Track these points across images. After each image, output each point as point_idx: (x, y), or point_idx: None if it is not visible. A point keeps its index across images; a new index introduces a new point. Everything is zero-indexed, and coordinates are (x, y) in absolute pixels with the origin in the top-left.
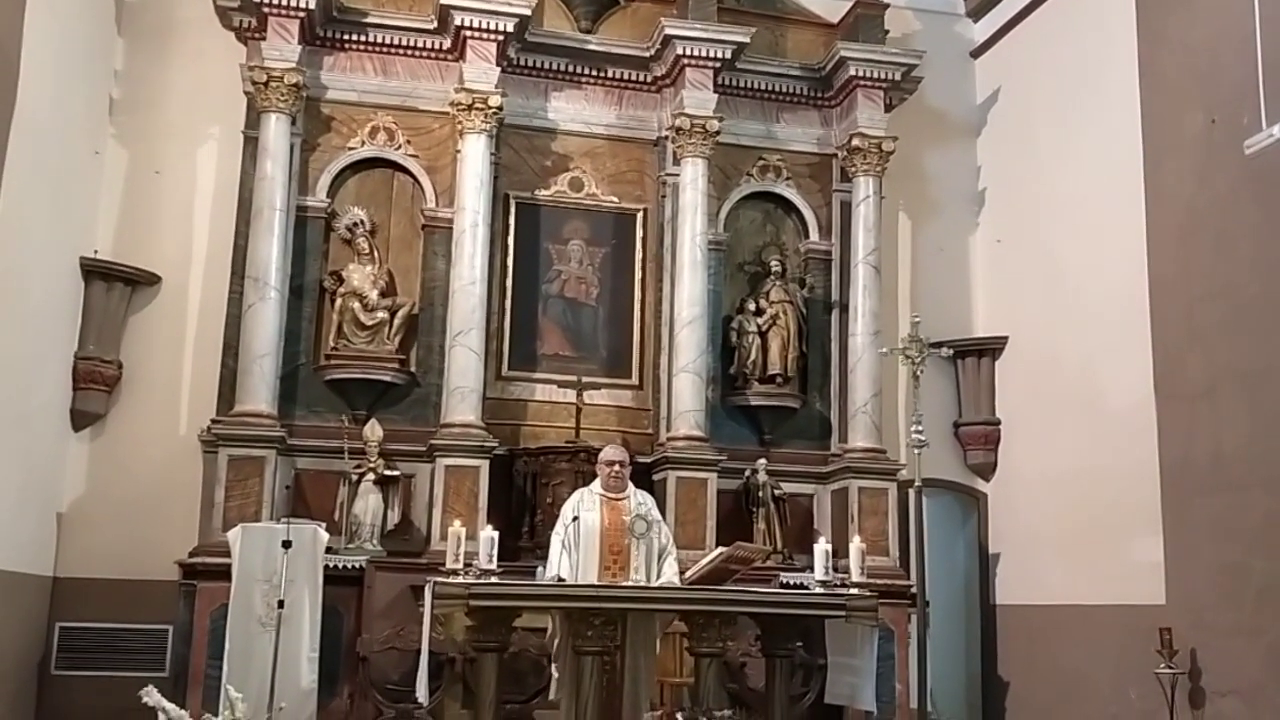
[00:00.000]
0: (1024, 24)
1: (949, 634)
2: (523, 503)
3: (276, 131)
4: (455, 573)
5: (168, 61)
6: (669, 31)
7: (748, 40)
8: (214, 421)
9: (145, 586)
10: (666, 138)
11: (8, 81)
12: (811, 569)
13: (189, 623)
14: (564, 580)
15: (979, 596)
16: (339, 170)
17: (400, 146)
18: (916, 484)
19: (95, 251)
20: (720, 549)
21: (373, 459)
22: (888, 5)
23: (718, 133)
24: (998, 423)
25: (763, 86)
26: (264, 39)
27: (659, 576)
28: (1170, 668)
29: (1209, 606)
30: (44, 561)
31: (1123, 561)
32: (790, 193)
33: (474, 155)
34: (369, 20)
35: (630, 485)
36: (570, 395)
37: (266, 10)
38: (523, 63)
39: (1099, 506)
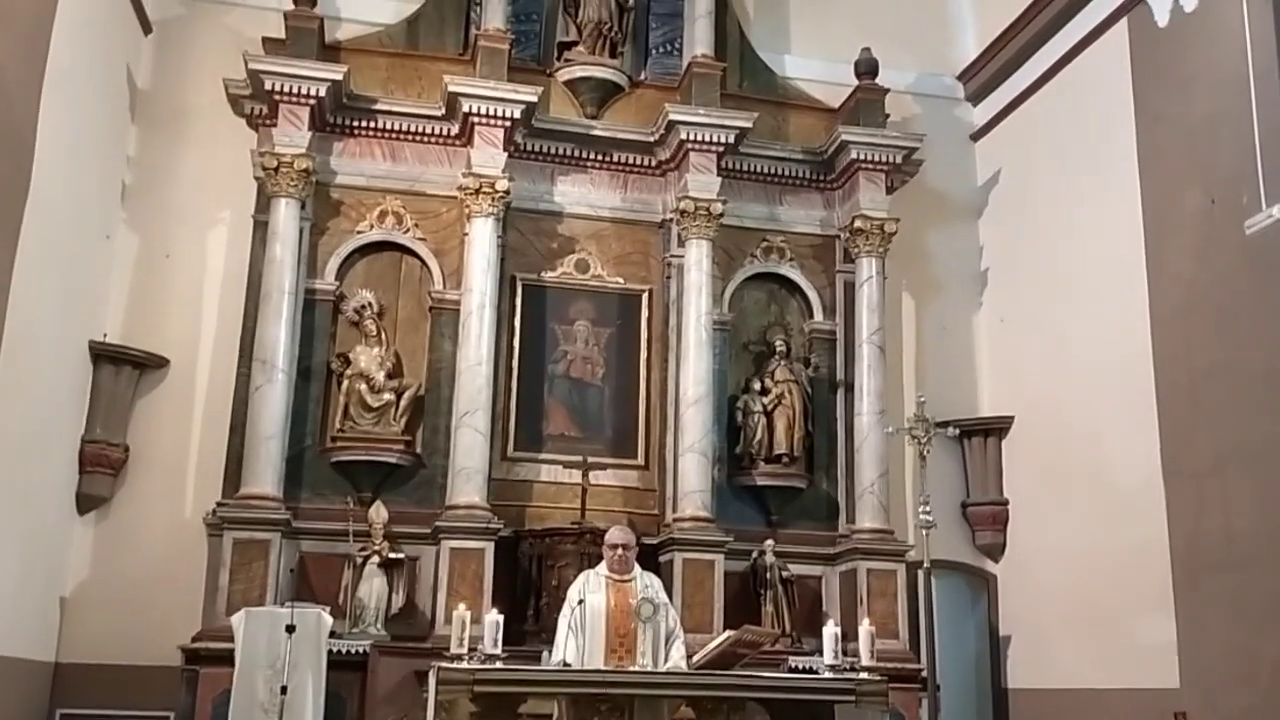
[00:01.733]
0: (1023, 107)
1: (961, 718)
2: (528, 585)
3: (286, 216)
4: (460, 657)
5: (180, 147)
6: (673, 117)
7: (750, 125)
8: (219, 504)
9: (148, 672)
10: (671, 220)
11: (22, 166)
12: (820, 652)
13: (191, 708)
14: (569, 665)
15: (990, 679)
16: (347, 253)
17: (408, 230)
18: (925, 565)
19: (104, 335)
20: (728, 632)
21: (377, 541)
22: (888, 90)
23: (721, 215)
24: (1006, 503)
25: (766, 170)
26: (275, 125)
27: (666, 661)
28: None
29: (1223, 689)
30: (46, 646)
31: (1135, 643)
32: (794, 273)
33: (481, 238)
34: (378, 107)
35: (637, 567)
36: (576, 476)
37: (278, 98)
38: (529, 148)
39: (1110, 586)
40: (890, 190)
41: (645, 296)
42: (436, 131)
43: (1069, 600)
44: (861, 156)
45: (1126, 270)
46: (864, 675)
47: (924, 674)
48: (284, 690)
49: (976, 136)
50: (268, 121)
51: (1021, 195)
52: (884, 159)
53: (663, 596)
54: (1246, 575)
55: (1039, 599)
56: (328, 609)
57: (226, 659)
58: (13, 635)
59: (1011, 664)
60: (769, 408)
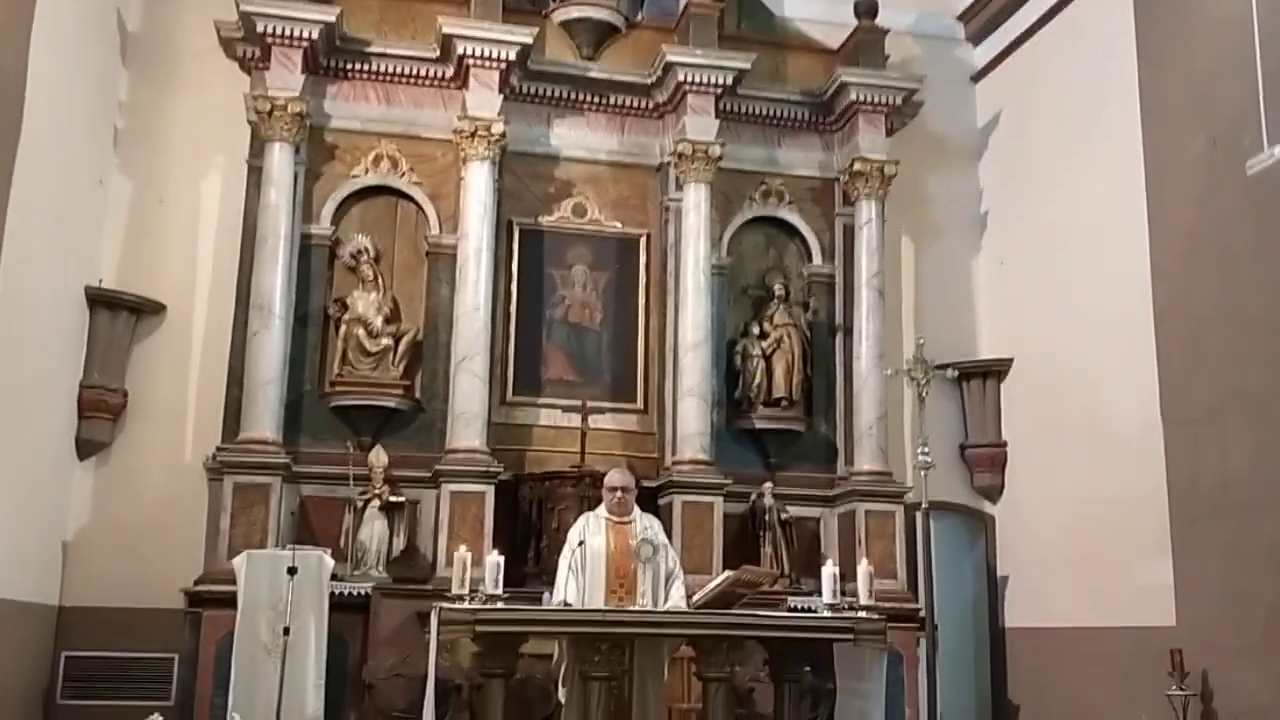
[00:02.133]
0: (1024, 48)
1: (958, 657)
2: (528, 528)
3: (280, 160)
4: (461, 598)
5: (172, 92)
6: (670, 59)
7: (748, 67)
8: (219, 449)
9: (151, 615)
10: (669, 163)
11: (13, 112)
12: (819, 593)
13: (194, 651)
14: (570, 605)
15: (988, 619)
16: (343, 198)
17: (404, 174)
18: (924, 506)
19: (100, 281)
20: (727, 573)
21: (378, 485)
22: (888, 31)
23: (720, 158)
24: (1004, 445)
25: (764, 112)
26: (268, 69)
27: (666, 601)
28: (1181, 690)
29: (1219, 628)
30: (49, 590)
31: (1132, 583)
32: (793, 217)
33: (477, 182)
34: (372, 50)
35: (636, 509)
36: (575, 420)
37: (270, 40)
38: (525, 90)
39: (1107, 528)
40: (890, 132)
41: (643, 241)
42: (431, 74)
43: (1066, 541)
44: (861, 98)
45: (1127, 213)
46: (862, 614)
47: (922, 614)
48: (286, 632)
49: (977, 78)
50: (260, 65)
51: (1022, 137)
52: (883, 101)
53: (662, 538)
54: (1243, 519)
55: (1037, 540)
56: (329, 552)
57: (229, 602)
58: (16, 579)
59: (1009, 604)
60: (768, 351)
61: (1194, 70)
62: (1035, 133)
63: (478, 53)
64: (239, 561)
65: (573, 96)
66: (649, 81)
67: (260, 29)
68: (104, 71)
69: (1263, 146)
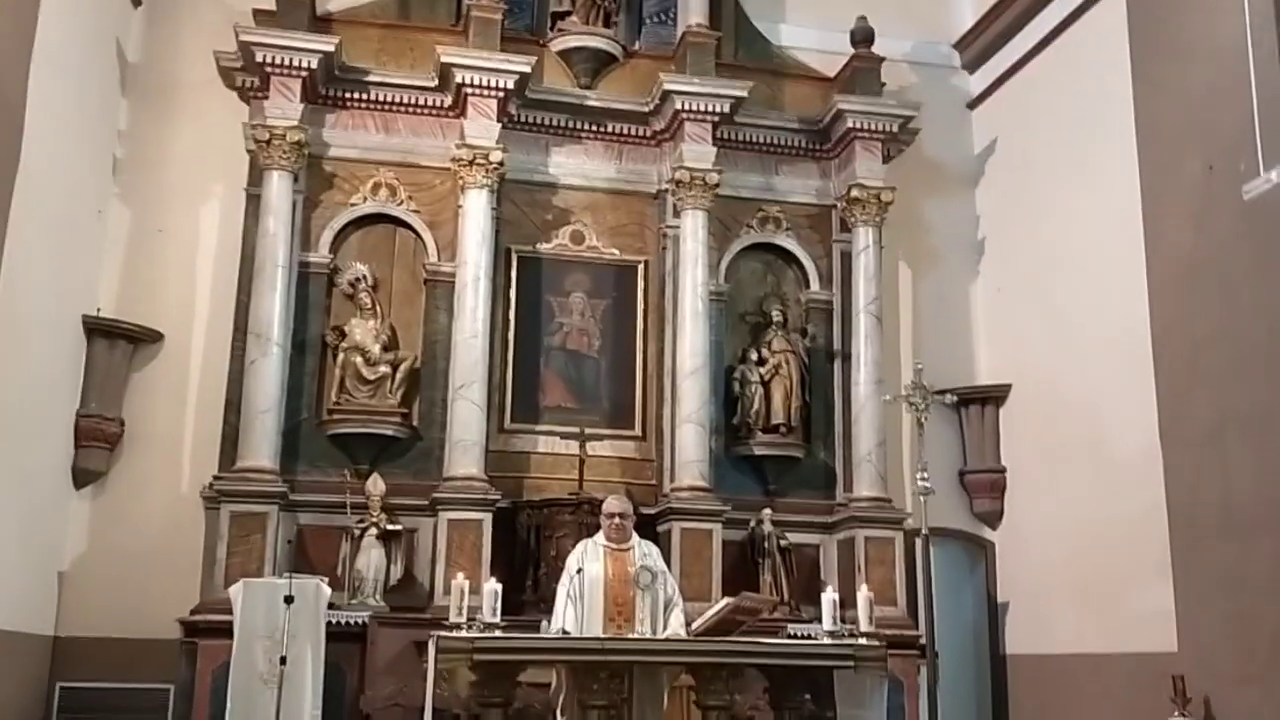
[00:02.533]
0: (1019, 75)
1: (959, 684)
2: (526, 556)
3: (279, 189)
4: (459, 627)
5: (171, 121)
6: (668, 87)
7: (745, 95)
8: (216, 478)
9: (147, 645)
10: (666, 190)
11: (12, 140)
12: (819, 620)
13: (190, 681)
14: (568, 633)
15: (988, 646)
16: (341, 226)
17: (402, 202)
18: (923, 533)
19: (98, 310)
20: (727, 600)
21: (375, 513)
22: (884, 59)
23: (717, 185)
24: (1003, 470)
25: (761, 139)
26: (266, 98)
27: (665, 628)
28: (1184, 716)
29: (1221, 654)
30: (45, 621)
31: (1133, 609)
32: (790, 243)
33: (476, 210)
34: (371, 79)
35: (635, 536)
36: (573, 447)
37: (269, 70)
38: (523, 119)
39: (1108, 553)
40: (887, 159)
41: (641, 268)
42: (430, 103)
43: (1067, 567)
44: (858, 125)
45: (1124, 238)
46: (862, 641)
47: (922, 640)
48: (283, 661)
49: (973, 105)
50: (259, 94)
51: (1019, 164)
52: (880, 128)
53: (661, 565)
54: (1245, 542)
55: (1037, 566)
56: (326, 580)
57: (225, 631)
58: (11, 609)
59: (1009, 630)
60: (766, 378)
61: (1190, 95)
62: (1032, 159)
63: (476, 81)
64: (235, 590)
65: (571, 125)
66: (647, 109)
67: (259, 58)
68: (104, 101)
69: (1259, 171)
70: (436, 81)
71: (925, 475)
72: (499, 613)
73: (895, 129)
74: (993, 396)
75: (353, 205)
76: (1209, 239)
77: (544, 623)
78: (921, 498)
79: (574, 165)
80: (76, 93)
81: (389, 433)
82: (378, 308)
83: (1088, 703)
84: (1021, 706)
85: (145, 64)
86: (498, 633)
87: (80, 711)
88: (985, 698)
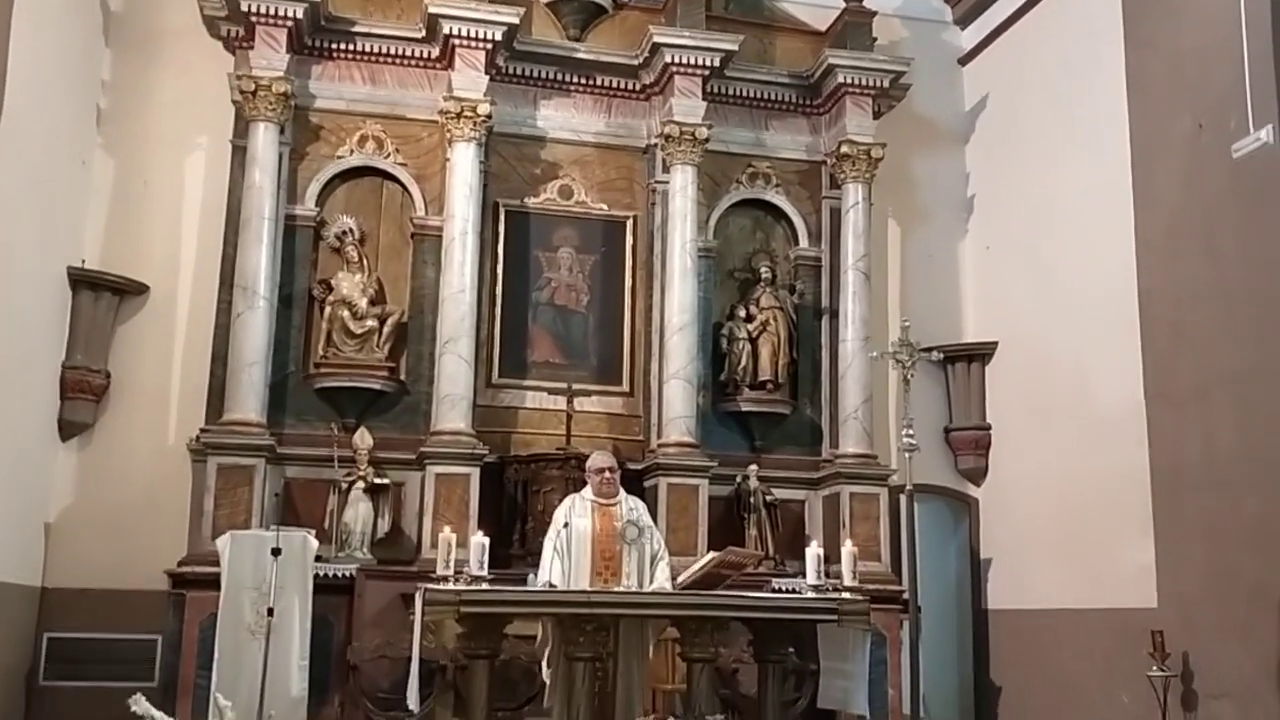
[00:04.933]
0: (1011, 31)
1: (941, 639)
2: (513, 510)
3: (265, 140)
4: (446, 579)
5: (155, 71)
6: (657, 39)
7: (736, 48)
8: (202, 430)
9: (134, 596)
10: (655, 145)
11: None
12: (803, 574)
13: (178, 632)
14: (555, 586)
15: (970, 601)
16: (328, 179)
17: (389, 155)
18: (908, 489)
19: (83, 261)
20: (712, 554)
21: (362, 467)
22: (875, 13)
23: (706, 140)
24: (988, 428)
25: (751, 94)
26: (252, 48)
27: (651, 582)
28: (1162, 670)
29: (1201, 609)
30: (32, 572)
31: (1114, 565)
32: (780, 200)
33: (463, 163)
34: (357, 29)
35: (622, 491)
36: (561, 402)
37: (254, 19)
38: (511, 71)
39: (1090, 510)
40: (877, 115)
41: (630, 223)
42: (416, 54)
43: (1049, 524)
44: (848, 81)
45: (1113, 196)
46: (846, 596)
47: (905, 595)
48: (270, 612)
49: (964, 61)
50: (244, 44)
51: (1009, 121)
52: (871, 83)
53: (647, 520)
54: (1226, 499)
55: (1020, 522)
56: (313, 533)
57: (213, 583)
58: None
59: (992, 586)
60: (754, 334)
61: (1181, 53)
62: (1022, 116)
63: (463, 32)
64: (223, 542)
65: (559, 77)
66: (636, 62)
67: (244, 7)
68: (86, 50)
69: (1248, 130)
70: (424, 32)
71: (910, 432)
72: (486, 566)
73: (886, 84)
74: (979, 354)
75: (339, 158)
76: (1198, 197)
77: (530, 576)
78: (906, 454)
79: (562, 119)
80: (59, 42)
81: (376, 387)
82: (364, 261)
83: (1068, 657)
84: (1003, 661)
85: (128, 13)
86: (484, 585)
87: (68, 662)
88: (967, 652)
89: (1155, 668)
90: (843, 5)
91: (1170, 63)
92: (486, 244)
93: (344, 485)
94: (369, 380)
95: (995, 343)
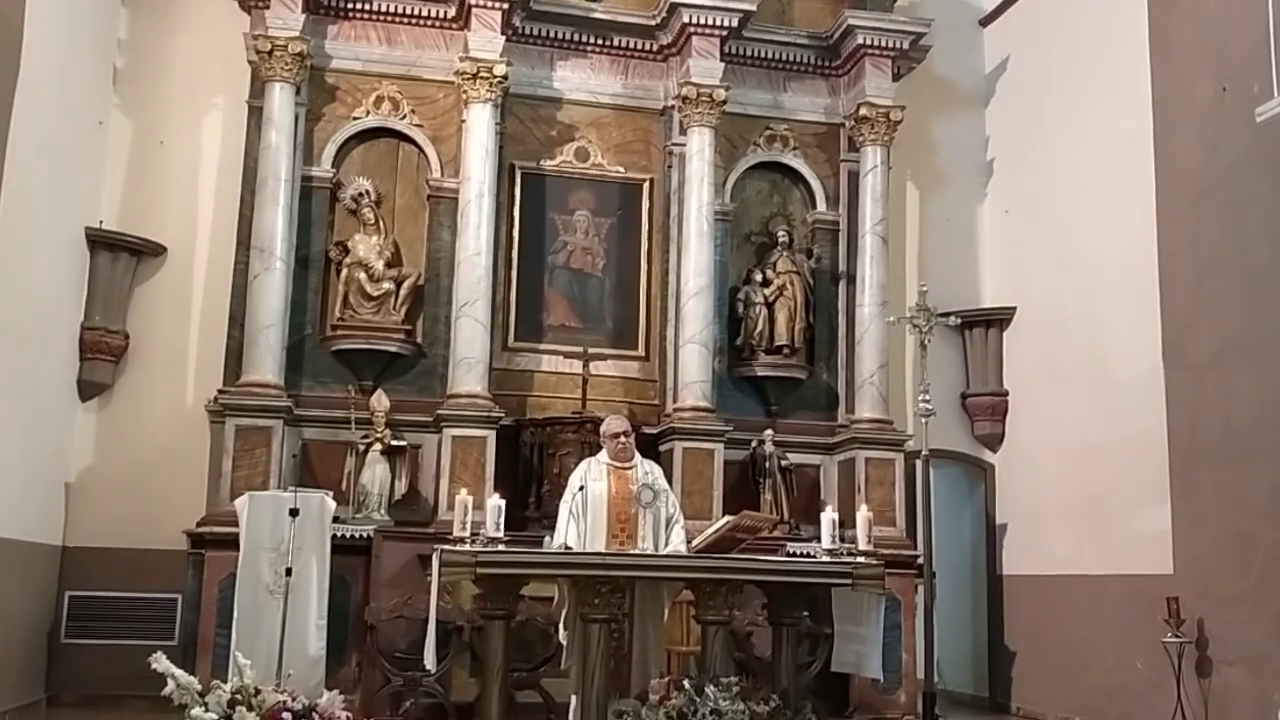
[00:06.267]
0: None
1: (956, 604)
2: (529, 473)
3: (281, 101)
4: (462, 541)
5: (171, 31)
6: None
7: (754, 8)
8: (221, 392)
9: (154, 556)
10: (673, 107)
11: (11, 51)
12: (818, 539)
13: (197, 591)
14: (571, 548)
15: (986, 567)
16: (344, 140)
17: (405, 116)
18: (923, 454)
19: (100, 222)
20: (727, 518)
21: (379, 429)
22: None
23: (724, 102)
24: (1005, 394)
25: (770, 55)
26: (268, 7)
27: (666, 545)
28: (1177, 637)
29: (1216, 576)
30: (53, 531)
31: (1130, 531)
32: (797, 163)
33: (479, 125)
34: None
35: (638, 455)
36: (576, 366)
37: None
38: (528, 31)
39: (1106, 477)
40: (896, 77)
41: (646, 186)
42: (433, 14)
43: (1066, 490)
44: (868, 42)
45: (1134, 160)
46: (861, 560)
47: (920, 560)
48: (289, 572)
49: (985, 22)
50: (260, 3)
51: (1030, 84)
52: (890, 44)
53: (663, 483)
54: (1243, 466)
55: (1036, 488)
56: (331, 494)
57: (231, 543)
58: (20, 519)
59: (1007, 551)
60: (770, 299)
61: (1205, 16)
62: (1043, 78)
63: None
64: (241, 503)
65: (576, 38)
66: (653, 23)
67: None
68: (103, 9)
69: (1273, 94)
70: None
71: (927, 397)
72: (502, 528)
73: (905, 46)
74: (997, 319)
75: (355, 119)
76: (1220, 162)
77: (546, 538)
78: (923, 420)
79: (579, 80)
80: (75, 2)
81: (393, 349)
82: (381, 223)
83: (1083, 623)
84: (1017, 627)
85: None
86: (501, 547)
87: (89, 620)
88: (982, 617)
89: (1170, 634)
90: None
91: (1194, 25)
92: (502, 207)
93: (361, 447)
94: (385, 343)
95: (1013, 308)
